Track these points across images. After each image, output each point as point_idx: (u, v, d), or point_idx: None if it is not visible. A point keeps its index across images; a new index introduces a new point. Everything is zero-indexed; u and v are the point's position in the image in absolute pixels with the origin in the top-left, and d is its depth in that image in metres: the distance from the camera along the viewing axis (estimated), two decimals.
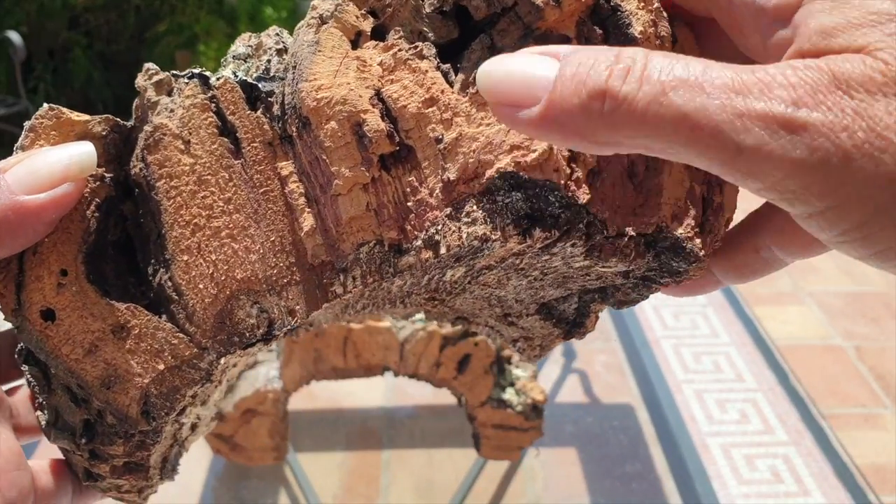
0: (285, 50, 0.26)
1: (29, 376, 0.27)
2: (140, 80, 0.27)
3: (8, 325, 0.29)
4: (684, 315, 1.11)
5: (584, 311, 0.31)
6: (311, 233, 0.25)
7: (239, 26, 3.00)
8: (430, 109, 0.24)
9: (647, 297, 0.29)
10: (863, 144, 0.17)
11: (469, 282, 0.30)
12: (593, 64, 0.19)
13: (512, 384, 1.04)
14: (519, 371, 1.05)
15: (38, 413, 0.27)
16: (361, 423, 1.24)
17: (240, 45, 0.27)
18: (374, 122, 0.24)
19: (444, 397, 1.12)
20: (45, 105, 0.26)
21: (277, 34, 0.27)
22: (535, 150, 0.24)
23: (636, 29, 0.24)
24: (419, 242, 0.24)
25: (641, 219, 0.25)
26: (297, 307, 0.26)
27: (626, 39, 0.24)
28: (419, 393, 1.27)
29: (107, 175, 0.26)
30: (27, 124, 0.26)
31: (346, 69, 0.24)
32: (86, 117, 0.26)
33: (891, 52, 0.18)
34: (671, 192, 0.25)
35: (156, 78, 0.26)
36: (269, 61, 0.26)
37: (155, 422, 0.26)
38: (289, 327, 0.26)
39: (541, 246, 0.25)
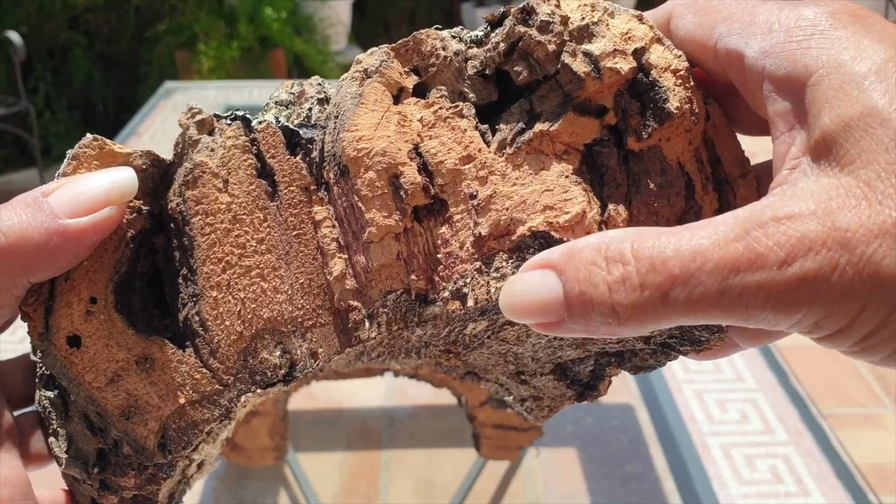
0: (326, 100, 0.27)
1: (46, 402, 0.27)
2: (182, 119, 0.27)
3: (17, 352, 0.29)
4: None
5: (599, 375, 0.32)
6: (340, 277, 0.26)
7: (239, 26, 3.00)
8: (466, 166, 0.25)
9: (664, 364, 0.30)
10: (854, 275, 0.19)
11: (489, 336, 0.30)
12: (591, 279, 0.21)
13: None
14: None
15: (51, 439, 0.27)
16: (361, 423, 1.24)
17: (282, 92, 0.28)
18: (411, 174, 0.25)
19: (444, 397, 1.12)
20: (89, 135, 0.27)
21: (319, 84, 0.28)
22: (567, 212, 0.24)
23: (673, 104, 0.25)
24: (446, 293, 0.25)
25: None
26: (320, 350, 0.26)
27: (662, 113, 0.25)
28: (419, 393, 1.27)
29: (143, 207, 0.27)
30: (70, 152, 0.26)
31: (387, 122, 0.25)
32: (128, 149, 0.27)
33: (873, 170, 0.19)
34: None
35: (198, 117, 0.27)
36: (310, 109, 0.27)
37: (171, 455, 0.26)
38: (310, 369, 0.26)
39: None
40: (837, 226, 0.19)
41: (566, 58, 0.25)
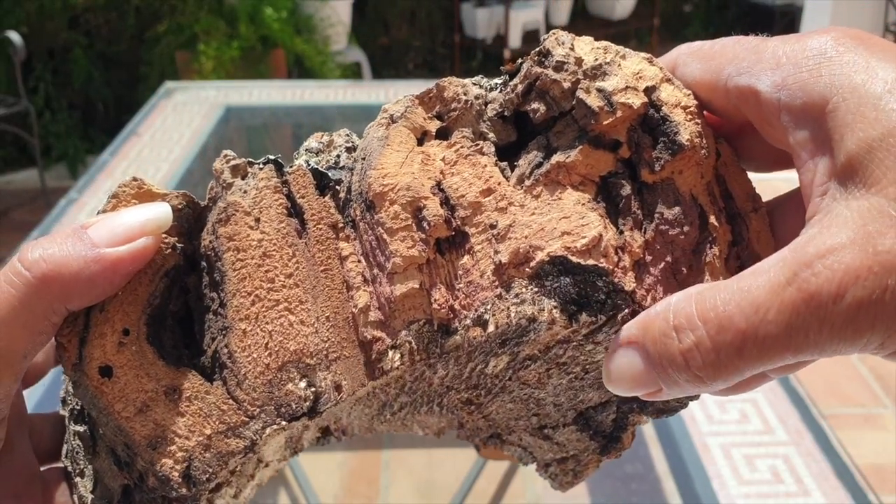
0: (354, 148, 0.29)
1: (75, 440, 0.28)
2: (217, 164, 0.29)
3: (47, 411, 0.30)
4: None
5: (622, 424, 0.32)
6: (364, 309, 0.26)
7: (239, 26, 3.00)
8: (486, 199, 0.26)
9: (686, 405, 0.30)
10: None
11: (510, 377, 0.31)
12: (667, 352, 0.22)
13: None
14: None
15: (77, 480, 0.28)
16: None
17: (312, 141, 0.29)
18: (434, 207, 0.26)
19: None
20: (130, 177, 0.28)
21: (348, 134, 0.30)
22: (584, 237, 0.25)
23: (684, 137, 0.26)
24: (468, 321, 0.26)
25: None
26: (344, 382, 0.27)
27: (674, 145, 0.26)
28: None
29: (178, 244, 0.28)
30: (112, 192, 0.28)
31: (411, 161, 0.27)
32: (165, 191, 0.28)
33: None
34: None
35: (233, 162, 0.28)
36: (338, 156, 0.29)
37: (195, 488, 0.26)
38: (333, 402, 0.27)
39: (586, 332, 0.26)
40: (879, 250, 0.20)
41: (581, 94, 0.26)
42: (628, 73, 0.26)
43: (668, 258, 0.26)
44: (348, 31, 3.44)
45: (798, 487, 0.81)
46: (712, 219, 0.26)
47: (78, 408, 0.28)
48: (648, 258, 0.26)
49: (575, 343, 0.27)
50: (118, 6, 3.19)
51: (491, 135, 0.27)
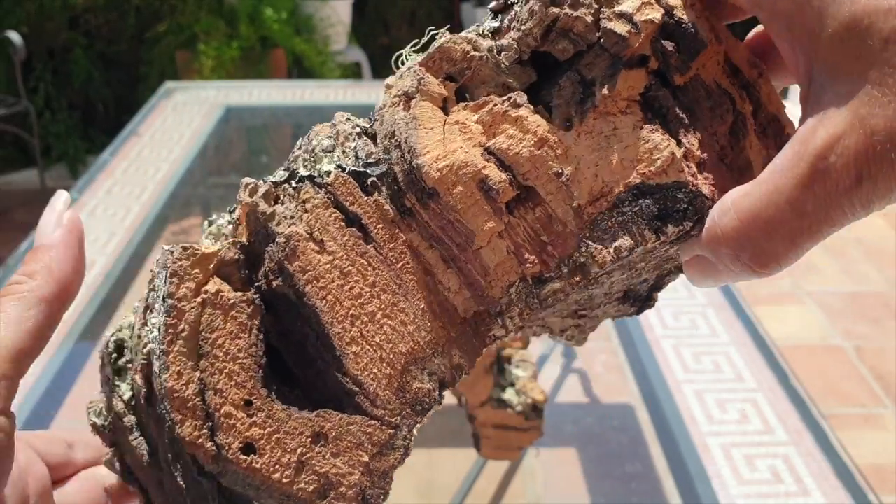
0: (365, 132, 0.28)
1: None
2: (245, 197, 0.28)
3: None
4: (684, 315, 1.11)
5: (658, 286, 0.34)
6: (458, 290, 0.27)
7: (239, 26, 2.99)
8: (542, 150, 0.26)
9: None
10: None
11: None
12: (722, 262, 0.26)
13: (512, 384, 1.04)
14: (519, 371, 1.05)
15: None
16: None
17: (323, 139, 0.29)
18: (496, 174, 0.26)
19: (445, 397, 1.12)
20: (178, 247, 0.27)
21: (348, 118, 0.29)
22: (657, 158, 0.26)
23: (702, 34, 0.27)
24: (565, 269, 0.27)
25: None
26: (462, 361, 0.28)
27: (697, 44, 0.27)
28: None
29: (254, 298, 0.27)
30: (169, 269, 0.27)
31: (451, 135, 0.26)
32: (216, 247, 0.28)
33: (879, 69, 0.21)
34: (758, 165, 0.28)
35: (261, 190, 0.28)
36: (355, 148, 0.28)
37: None
38: (458, 381, 0.27)
39: (673, 239, 0.27)
40: (873, 132, 0.22)
41: (606, 23, 0.26)
42: None
43: (716, 147, 0.27)
44: (348, 31, 3.44)
45: (798, 487, 0.81)
46: (738, 99, 0.27)
47: (227, 497, 0.27)
48: (704, 156, 0.27)
49: (661, 249, 0.28)
50: (118, 6, 3.19)
51: (514, 82, 0.27)
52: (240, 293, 0.27)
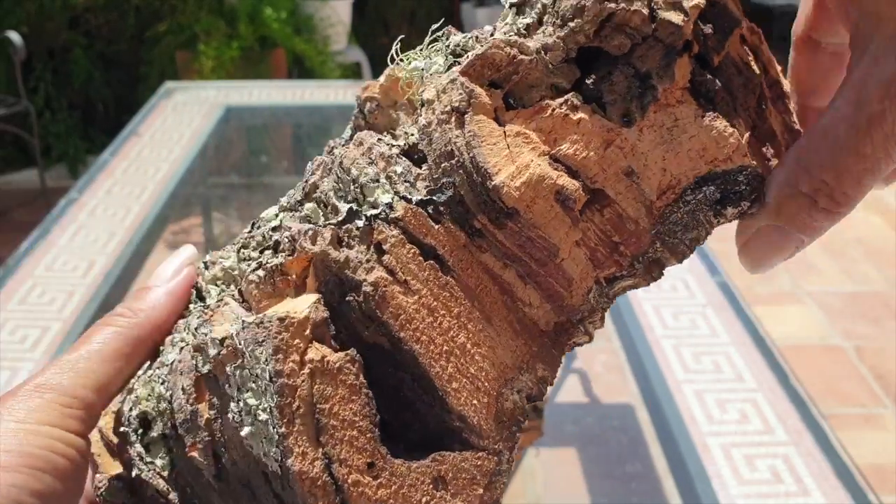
0: (405, 151, 0.27)
1: None
2: (314, 248, 0.26)
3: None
4: (684, 315, 1.11)
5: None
6: (538, 305, 0.27)
7: (239, 26, 2.99)
8: (609, 150, 0.26)
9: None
10: None
11: None
12: (797, 209, 0.26)
13: None
14: None
15: None
16: None
17: (364, 167, 0.27)
18: (569, 182, 0.26)
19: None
20: (273, 319, 0.25)
21: (379, 138, 0.28)
22: (725, 146, 0.26)
23: (735, 12, 0.27)
24: (639, 267, 0.27)
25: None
26: (546, 373, 0.28)
27: (732, 22, 0.27)
28: None
29: (355, 354, 0.26)
30: (271, 345, 0.25)
31: (516, 149, 0.26)
32: (304, 309, 0.26)
33: None
34: (780, 132, 0.29)
35: (327, 236, 0.26)
36: (403, 173, 0.27)
37: None
38: (545, 392, 0.28)
39: (731, 217, 0.28)
40: None
41: (661, 14, 0.26)
42: None
43: (749, 122, 0.28)
44: (348, 31, 3.44)
45: (798, 487, 0.81)
46: (755, 68, 0.28)
47: None
48: (749, 134, 0.27)
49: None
50: (118, 6, 3.19)
51: (563, 82, 0.26)
52: (341, 353, 0.26)
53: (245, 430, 0.25)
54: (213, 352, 0.27)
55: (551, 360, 0.28)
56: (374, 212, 0.26)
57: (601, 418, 1.11)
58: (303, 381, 0.25)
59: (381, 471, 0.26)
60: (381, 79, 0.34)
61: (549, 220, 0.26)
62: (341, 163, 0.27)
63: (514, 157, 0.25)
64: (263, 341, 0.25)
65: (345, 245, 0.26)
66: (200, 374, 0.27)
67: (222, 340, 0.26)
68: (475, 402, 0.26)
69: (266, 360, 0.25)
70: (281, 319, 0.25)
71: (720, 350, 1.04)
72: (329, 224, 0.27)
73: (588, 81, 0.26)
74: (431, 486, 0.26)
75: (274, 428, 0.24)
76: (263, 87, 2.11)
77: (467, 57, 0.27)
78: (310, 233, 0.26)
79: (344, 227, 0.26)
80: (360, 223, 0.26)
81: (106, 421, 0.30)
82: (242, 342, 0.25)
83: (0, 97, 2.80)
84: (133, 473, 0.29)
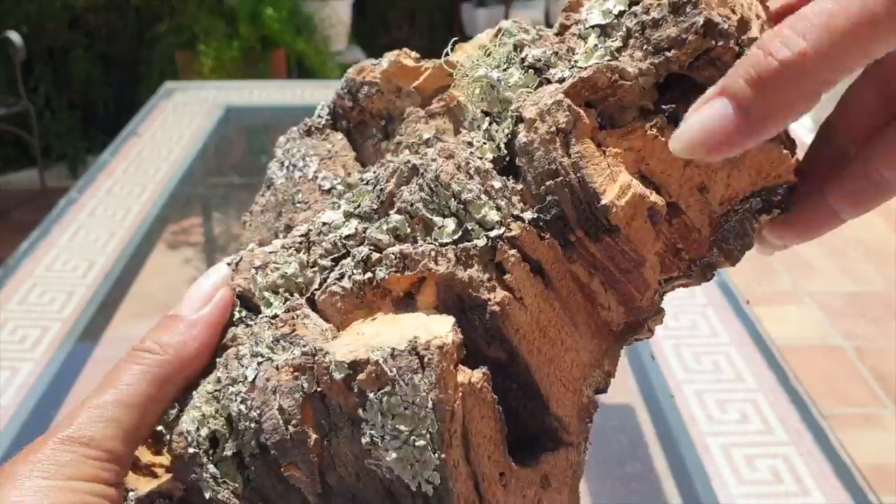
0: (499, 160, 0.28)
1: None
2: (432, 265, 0.27)
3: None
4: (684, 315, 1.11)
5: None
6: (615, 308, 0.29)
7: (239, 26, 2.99)
8: (688, 168, 0.28)
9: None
10: None
11: None
12: (771, 63, 0.24)
13: None
14: None
15: None
16: None
17: (465, 183, 0.28)
18: (659, 200, 0.28)
19: None
20: (433, 349, 0.25)
21: (468, 142, 0.29)
22: (782, 166, 0.28)
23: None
24: (695, 269, 0.30)
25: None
26: (611, 368, 0.30)
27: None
28: None
29: (488, 372, 0.27)
30: (434, 374, 0.25)
31: (616, 167, 0.27)
32: (443, 331, 0.26)
33: None
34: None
35: (450, 257, 0.27)
36: (502, 189, 0.28)
37: None
38: (609, 385, 0.30)
39: (764, 224, 0.30)
40: None
41: (747, 50, 0.26)
42: (752, 14, 0.28)
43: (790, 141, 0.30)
44: (348, 31, 3.44)
45: (798, 487, 0.81)
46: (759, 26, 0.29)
47: None
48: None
49: None
50: (118, 6, 3.19)
51: (649, 104, 0.28)
52: (478, 373, 0.26)
53: (392, 456, 0.25)
54: (338, 375, 0.26)
55: (614, 355, 0.30)
56: (497, 232, 0.27)
57: (601, 418, 1.11)
58: (458, 405, 0.25)
59: (508, 480, 0.27)
60: (384, 64, 0.34)
61: (643, 235, 0.28)
62: (437, 176, 0.28)
63: (614, 177, 0.27)
64: (423, 370, 0.25)
65: (463, 264, 0.27)
66: (306, 395, 0.27)
67: (352, 364, 0.26)
68: (567, 402, 0.29)
69: (427, 389, 0.25)
70: (440, 348, 0.25)
71: (720, 350, 1.04)
72: (436, 241, 0.27)
73: (666, 107, 0.28)
74: (540, 485, 0.28)
75: (435, 453, 0.25)
76: (263, 87, 2.11)
77: (560, 75, 0.28)
78: (433, 253, 0.27)
79: (461, 247, 0.27)
80: (480, 243, 0.27)
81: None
82: (394, 370, 0.25)
83: (0, 97, 2.80)
84: (207, 496, 0.29)
